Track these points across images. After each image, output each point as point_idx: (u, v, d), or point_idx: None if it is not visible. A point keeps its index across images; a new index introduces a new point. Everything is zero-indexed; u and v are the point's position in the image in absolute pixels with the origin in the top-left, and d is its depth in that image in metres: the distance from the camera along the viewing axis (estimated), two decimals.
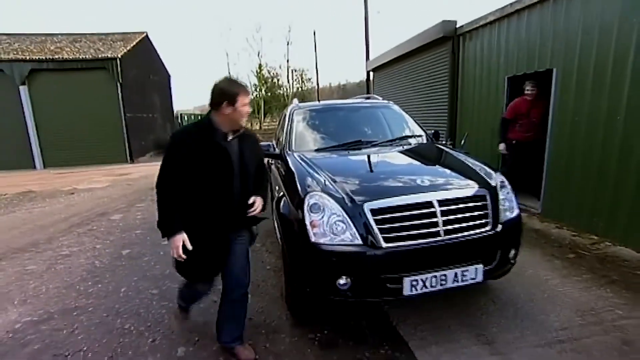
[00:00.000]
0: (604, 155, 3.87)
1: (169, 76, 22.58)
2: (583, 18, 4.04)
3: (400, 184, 2.25)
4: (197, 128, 1.90)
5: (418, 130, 3.70)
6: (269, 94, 27.87)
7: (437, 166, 2.77)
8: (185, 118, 28.05)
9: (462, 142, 6.38)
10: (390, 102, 4.17)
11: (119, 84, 15.54)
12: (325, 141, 3.38)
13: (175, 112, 25.92)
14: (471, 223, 2.14)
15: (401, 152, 3.09)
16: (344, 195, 2.18)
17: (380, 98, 4.50)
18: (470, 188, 2.27)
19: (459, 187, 2.25)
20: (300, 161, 2.85)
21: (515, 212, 2.45)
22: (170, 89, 22.59)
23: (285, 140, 3.48)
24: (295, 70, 29.08)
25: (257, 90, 29.00)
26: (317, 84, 23.54)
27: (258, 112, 27.58)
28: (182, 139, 1.86)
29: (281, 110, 27.97)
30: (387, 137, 3.52)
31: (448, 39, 6.50)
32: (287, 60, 35.02)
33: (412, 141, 3.46)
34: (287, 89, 27.78)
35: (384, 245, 2.05)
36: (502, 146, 5.02)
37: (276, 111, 28.17)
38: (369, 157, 2.91)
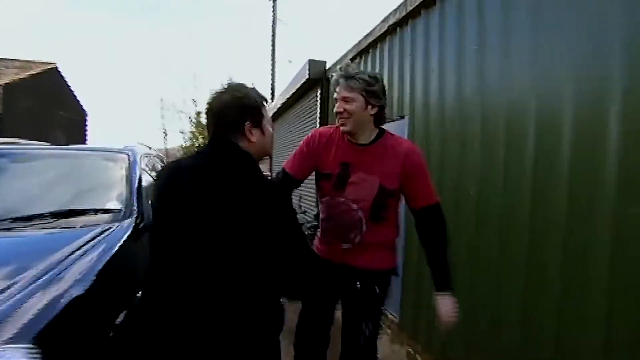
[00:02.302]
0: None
1: (85, 114, 20.54)
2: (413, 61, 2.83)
3: None
4: (260, 175, 1.15)
5: (112, 202, 2.06)
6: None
7: None
8: None
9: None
10: (127, 151, 2.52)
11: None
12: None
13: None
14: None
15: None
16: None
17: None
18: None
19: None
20: None
21: None
22: (84, 127, 20.44)
23: None
24: None
25: (195, 138, 27.34)
26: None
27: None
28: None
29: None
30: (45, 207, 1.89)
31: (317, 82, 5.27)
32: None
33: (75, 221, 1.83)
34: None
35: None
36: None
37: None
38: None
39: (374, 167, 1.54)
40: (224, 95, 1.13)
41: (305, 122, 5.86)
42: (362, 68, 3.98)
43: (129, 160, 2.38)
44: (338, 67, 1.57)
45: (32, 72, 15.28)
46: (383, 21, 3.43)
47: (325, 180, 1.63)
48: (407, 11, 3.00)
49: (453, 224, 2.26)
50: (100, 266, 1.48)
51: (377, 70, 3.71)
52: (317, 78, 5.18)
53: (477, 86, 2.24)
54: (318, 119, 5.27)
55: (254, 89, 1.19)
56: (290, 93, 6.28)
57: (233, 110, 1.10)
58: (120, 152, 2.47)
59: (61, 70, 17.71)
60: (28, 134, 14.97)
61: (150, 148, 3.80)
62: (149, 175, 3.03)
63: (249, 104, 1.13)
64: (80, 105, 20.04)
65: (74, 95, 19.20)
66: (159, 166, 3.35)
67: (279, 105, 7.83)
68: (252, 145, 1.14)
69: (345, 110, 1.48)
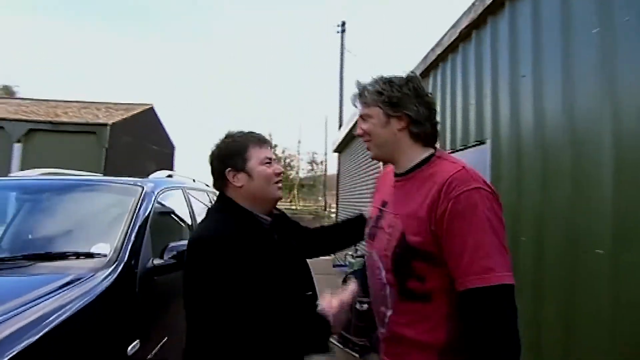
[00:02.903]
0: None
1: (173, 148, 22.65)
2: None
3: None
4: (236, 219, 1.09)
5: (99, 245, 1.68)
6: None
7: None
8: None
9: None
10: (143, 183, 2.18)
11: (104, 149, 15.73)
12: None
13: None
14: None
15: None
16: None
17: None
18: None
19: None
20: None
21: None
22: (172, 160, 22.52)
23: None
24: (309, 154, 28.61)
25: None
26: (325, 169, 22.50)
27: None
28: (230, 241, 1.01)
29: (290, 192, 26.69)
30: (24, 248, 1.67)
31: None
32: (299, 142, 35.12)
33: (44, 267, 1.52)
34: (297, 171, 26.88)
35: None
36: None
37: (285, 193, 26.15)
38: None
39: (402, 207, 0.99)
40: (213, 149, 1.17)
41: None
42: (430, 87, 3.37)
43: (141, 194, 2.03)
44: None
45: (134, 112, 17.55)
46: (453, 26, 2.79)
47: (367, 226, 1.15)
48: (485, 7, 2.34)
49: (570, 302, 1.47)
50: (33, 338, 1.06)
51: (449, 87, 3.04)
52: None
53: (600, 90, 1.48)
54: None
55: (246, 134, 1.16)
56: (354, 122, 5.84)
57: (215, 161, 1.14)
58: (134, 184, 2.14)
59: (156, 108, 19.96)
60: (127, 166, 17.11)
61: (194, 180, 3.50)
62: (192, 208, 2.70)
63: (228, 152, 1.13)
64: (169, 139, 22.16)
65: (164, 130, 21.36)
66: (211, 200, 3.01)
67: (344, 135, 7.44)
68: (241, 190, 1.12)
69: (363, 131, 1.05)
